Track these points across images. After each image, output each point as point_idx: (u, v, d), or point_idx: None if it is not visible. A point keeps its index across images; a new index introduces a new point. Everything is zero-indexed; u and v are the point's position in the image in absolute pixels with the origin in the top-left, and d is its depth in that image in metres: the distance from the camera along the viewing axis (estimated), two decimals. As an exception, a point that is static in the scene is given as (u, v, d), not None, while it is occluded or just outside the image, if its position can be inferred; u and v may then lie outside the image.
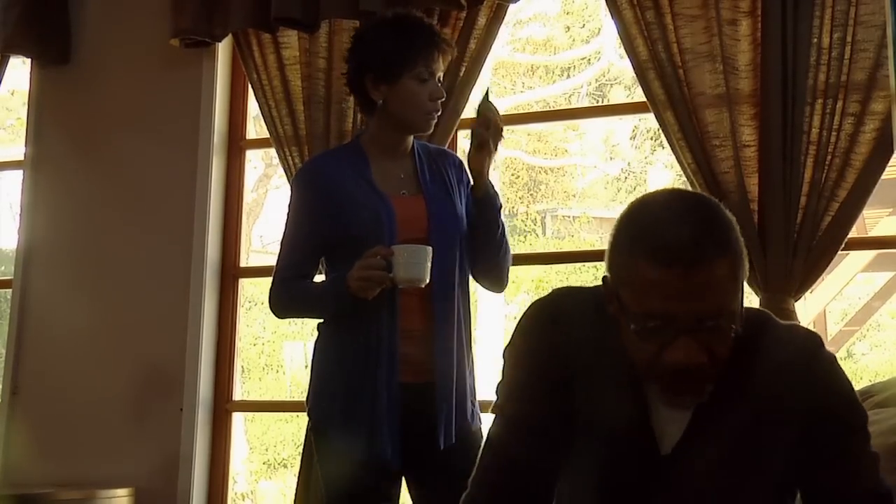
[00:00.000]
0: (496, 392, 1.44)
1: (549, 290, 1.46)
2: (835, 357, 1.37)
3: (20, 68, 3.82)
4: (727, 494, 1.31)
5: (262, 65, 3.14)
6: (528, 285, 9.18)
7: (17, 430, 3.33)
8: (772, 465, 1.31)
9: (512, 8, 2.93)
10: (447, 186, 2.34)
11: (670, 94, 2.67)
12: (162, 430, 3.15)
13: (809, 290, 2.57)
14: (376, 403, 2.16)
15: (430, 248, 2.15)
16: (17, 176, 3.59)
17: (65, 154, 3.45)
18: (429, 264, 2.14)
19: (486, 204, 2.30)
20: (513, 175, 10.35)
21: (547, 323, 1.40)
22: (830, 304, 8.13)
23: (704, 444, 1.30)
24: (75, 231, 3.40)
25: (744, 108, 2.61)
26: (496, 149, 2.28)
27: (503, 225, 2.34)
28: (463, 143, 3.12)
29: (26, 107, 3.61)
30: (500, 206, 2.33)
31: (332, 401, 2.23)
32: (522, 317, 1.44)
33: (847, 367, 9.47)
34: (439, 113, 2.31)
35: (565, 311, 1.40)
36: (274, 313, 2.37)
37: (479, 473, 1.40)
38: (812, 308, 6.95)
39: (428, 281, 2.15)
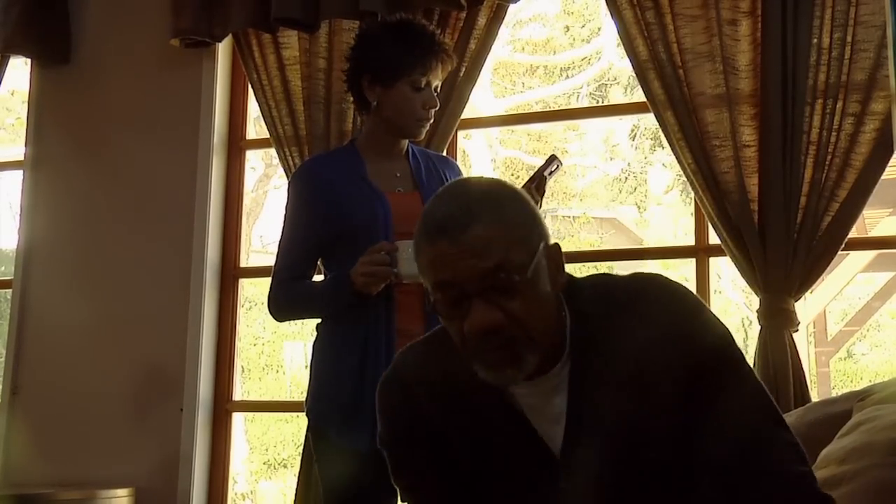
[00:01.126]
0: (393, 481, 1.45)
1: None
2: (695, 304, 1.34)
3: (20, 68, 3.82)
4: (623, 481, 1.29)
5: (262, 65, 3.15)
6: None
7: (17, 430, 3.33)
8: (663, 441, 1.28)
9: (512, 8, 2.93)
10: (442, 186, 2.34)
11: (670, 95, 2.67)
12: (162, 431, 3.15)
13: (809, 290, 2.57)
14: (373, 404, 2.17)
15: None
16: (17, 176, 3.59)
17: (65, 154, 3.45)
18: None
19: None
20: (513, 175, 10.35)
21: (396, 395, 1.42)
22: (830, 304, 8.12)
23: (590, 435, 1.29)
24: (75, 231, 3.40)
25: (744, 108, 2.61)
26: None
27: None
28: (462, 142, 3.13)
29: (26, 107, 3.61)
30: None
31: (330, 401, 2.24)
32: (376, 399, 1.45)
33: (847, 367, 9.51)
34: (431, 121, 2.32)
35: (409, 373, 1.41)
36: (273, 316, 2.36)
37: None
38: (812, 308, 6.94)
39: None
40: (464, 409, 1.34)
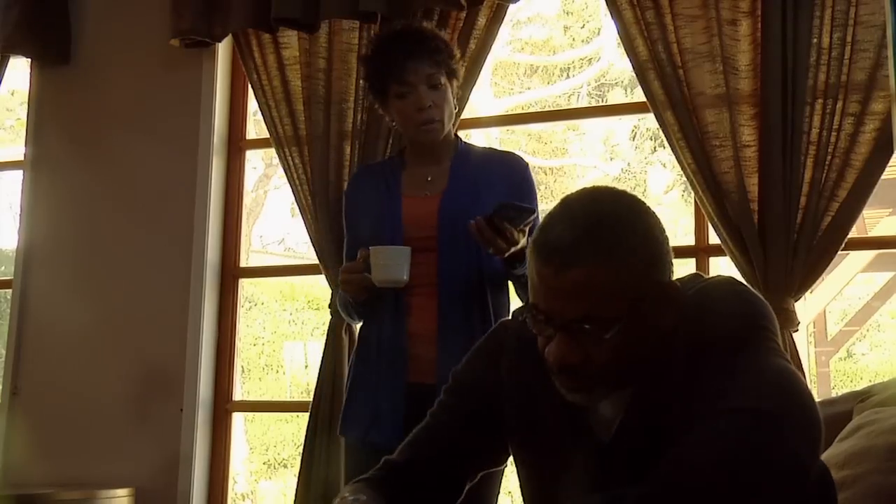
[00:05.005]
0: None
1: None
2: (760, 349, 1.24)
3: (20, 68, 3.82)
4: None
5: (261, 65, 3.14)
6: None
7: (17, 430, 3.33)
8: None
9: (511, 8, 2.93)
10: (478, 187, 2.30)
11: (670, 95, 2.67)
12: (162, 431, 3.15)
13: (809, 290, 2.57)
14: (378, 401, 2.23)
15: (407, 249, 2.19)
16: (17, 176, 3.59)
17: (65, 154, 3.45)
18: (406, 265, 2.17)
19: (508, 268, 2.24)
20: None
21: (488, 346, 1.48)
22: (830, 304, 8.12)
23: (640, 432, 1.26)
24: (75, 231, 3.40)
25: (744, 108, 2.61)
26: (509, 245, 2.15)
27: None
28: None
29: (26, 107, 3.61)
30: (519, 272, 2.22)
31: (348, 402, 2.34)
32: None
33: (847, 367, 9.50)
34: (439, 119, 2.28)
35: (507, 337, 1.45)
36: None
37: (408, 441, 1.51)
38: (812, 308, 6.94)
39: (406, 281, 2.18)
40: (532, 387, 1.37)
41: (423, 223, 2.26)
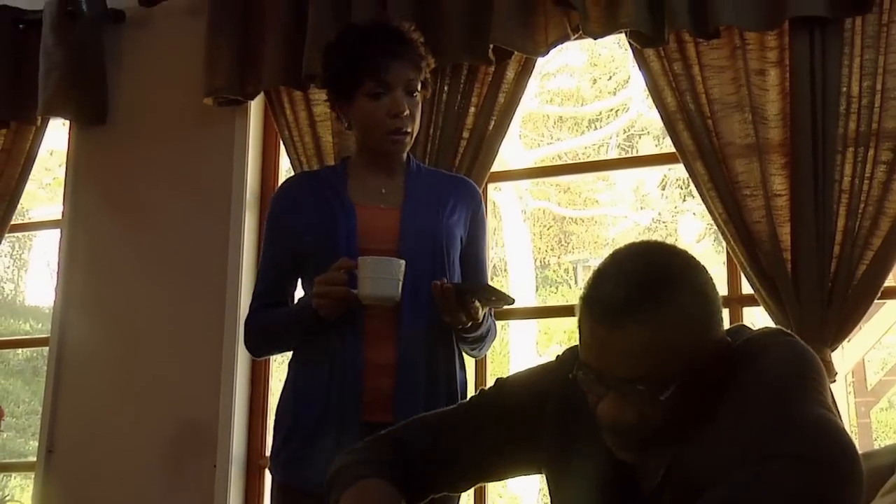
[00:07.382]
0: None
1: None
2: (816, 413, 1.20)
3: (58, 129, 3.90)
4: None
5: (293, 122, 3.19)
6: (560, 336, 9.13)
7: (53, 487, 3.34)
8: None
9: (540, 60, 2.95)
10: (437, 204, 2.12)
11: (700, 145, 2.67)
12: (196, 487, 3.14)
13: (847, 340, 2.53)
14: (338, 444, 1.91)
15: (402, 262, 1.92)
16: (55, 235, 3.65)
17: (101, 212, 3.51)
18: (400, 280, 1.92)
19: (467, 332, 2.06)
20: (543, 226, 10.36)
21: (544, 378, 1.46)
22: (869, 353, 7.99)
23: (685, 483, 1.24)
24: (111, 288, 3.44)
25: (774, 158, 2.60)
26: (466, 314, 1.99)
27: (484, 338, 2.12)
28: (492, 194, 3.14)
29: (64, 166, 3.67)
30: (483, 334, 2.09)
31: (290, 445, 2.03)
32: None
33: (889, 417, 9.31)
34: (410, 131, 2.09)
35: (558, 377, 1.42)
36: (249, 351, 2.20)
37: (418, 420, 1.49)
38: (850, 357, 6.83)
39: (398, 299, 1.93)
40: (577, 432, 1.35)
41: (381, 236, 2.04)
